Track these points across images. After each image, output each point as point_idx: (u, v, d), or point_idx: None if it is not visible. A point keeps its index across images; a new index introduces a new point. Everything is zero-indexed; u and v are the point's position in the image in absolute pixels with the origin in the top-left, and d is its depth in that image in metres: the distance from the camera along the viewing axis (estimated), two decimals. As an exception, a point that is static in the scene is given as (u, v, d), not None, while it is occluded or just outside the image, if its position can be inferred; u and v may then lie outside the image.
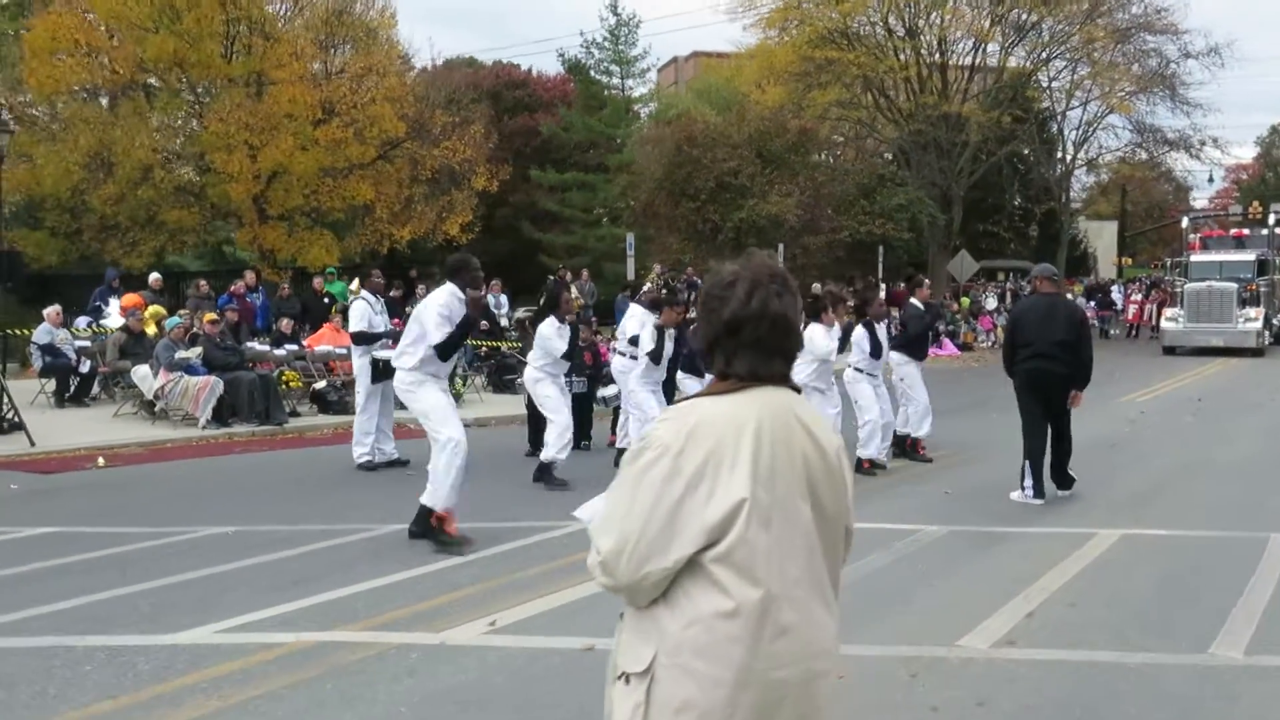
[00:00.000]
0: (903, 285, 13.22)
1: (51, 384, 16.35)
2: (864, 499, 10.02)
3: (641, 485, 2.52)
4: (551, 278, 28.68)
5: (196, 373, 14.78)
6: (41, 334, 16.53)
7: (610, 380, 13.15)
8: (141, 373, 15.21)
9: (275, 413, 15.31)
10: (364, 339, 11.55)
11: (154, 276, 19.56)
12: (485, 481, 10.74)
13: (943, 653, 5.78)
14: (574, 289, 27.92)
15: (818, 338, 10.84)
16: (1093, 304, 36.65)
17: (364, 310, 11.51)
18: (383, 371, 11.36)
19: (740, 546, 2.48)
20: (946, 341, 30.82)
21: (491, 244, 39.65)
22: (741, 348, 2.61)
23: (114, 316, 17.88)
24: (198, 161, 24.06)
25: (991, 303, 33.81)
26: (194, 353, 14.95)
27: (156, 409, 14.95)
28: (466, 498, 8.66)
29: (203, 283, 19.68)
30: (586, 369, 13.56)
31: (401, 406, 16.03)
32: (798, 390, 2.71)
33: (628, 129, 41.83)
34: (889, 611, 6.44)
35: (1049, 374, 9.84)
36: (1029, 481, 9.89)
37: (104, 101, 25.37)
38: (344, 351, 15.54)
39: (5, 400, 13.23)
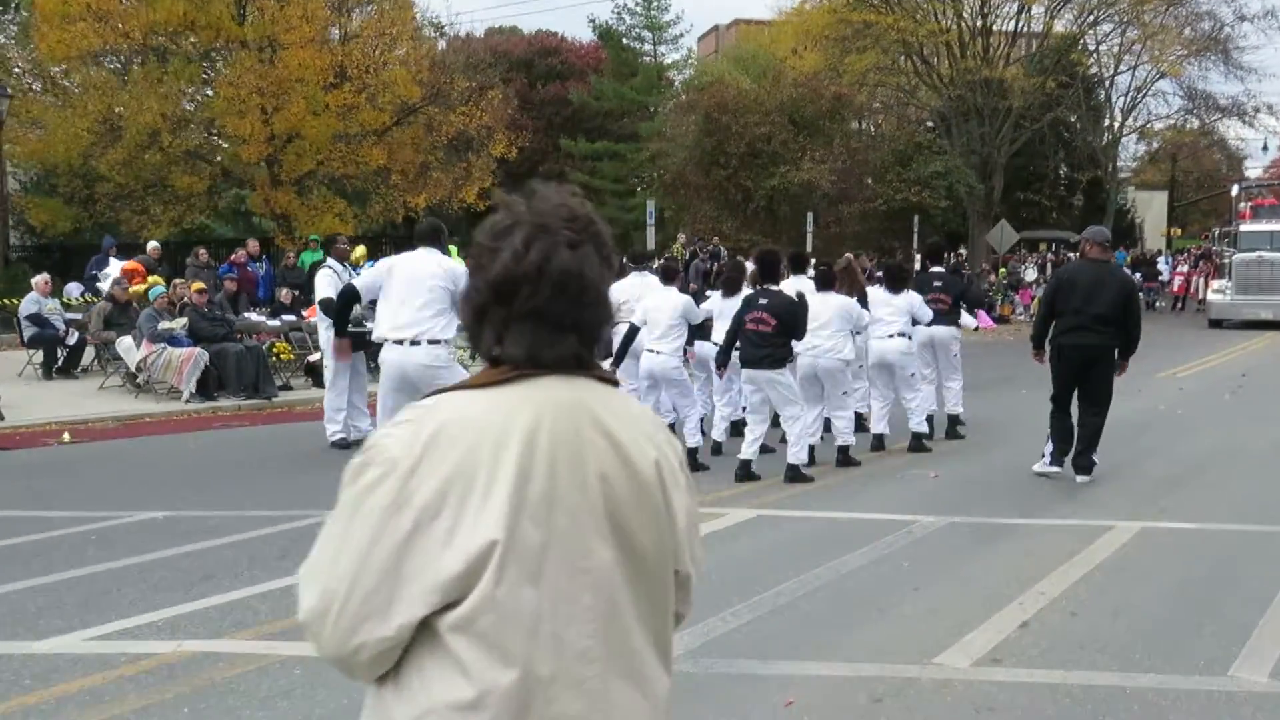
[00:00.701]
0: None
1: (39, 355, 15.86)
2: (856, 486, 9.34)
3: (356, 519, 1.76)
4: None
5: (181, 344, 14.20)
6: (29, 304, 16.03)
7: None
8: (126, 344, 14.65)
9: (264, 386, 14.70)
10: (330, 307, 10.83)
11: (152, 245, 19.04)
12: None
13: (914, 672, 4.99)
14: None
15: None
16: (1138, 275, 35.27)
17: (330, 279, 10.81)
18: (353, 345, 10.66)
19: (486, 610, 1.71)
20: (982, 314, 29.76)
21: (521, 214, 39.02)
22: (516, 320, 1.82)
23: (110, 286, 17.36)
24: (208, 127, 23.48)
25: (1031, 274, 32.60)
26: (178, 323, 14.35)
27: (139, 381, 14.40)
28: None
29: (202, 251, 19.10)
30: None
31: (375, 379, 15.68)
32: (611, 382, 1.93)
33: (660, 97, 40.93)
34: (859, 620, 5.65)
35: (1088, 349, 9.05)
36: (1048, 449, 9.29)
37: (114, 67, 24.85)
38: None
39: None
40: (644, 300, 10.04)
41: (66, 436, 11.58)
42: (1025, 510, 8.18)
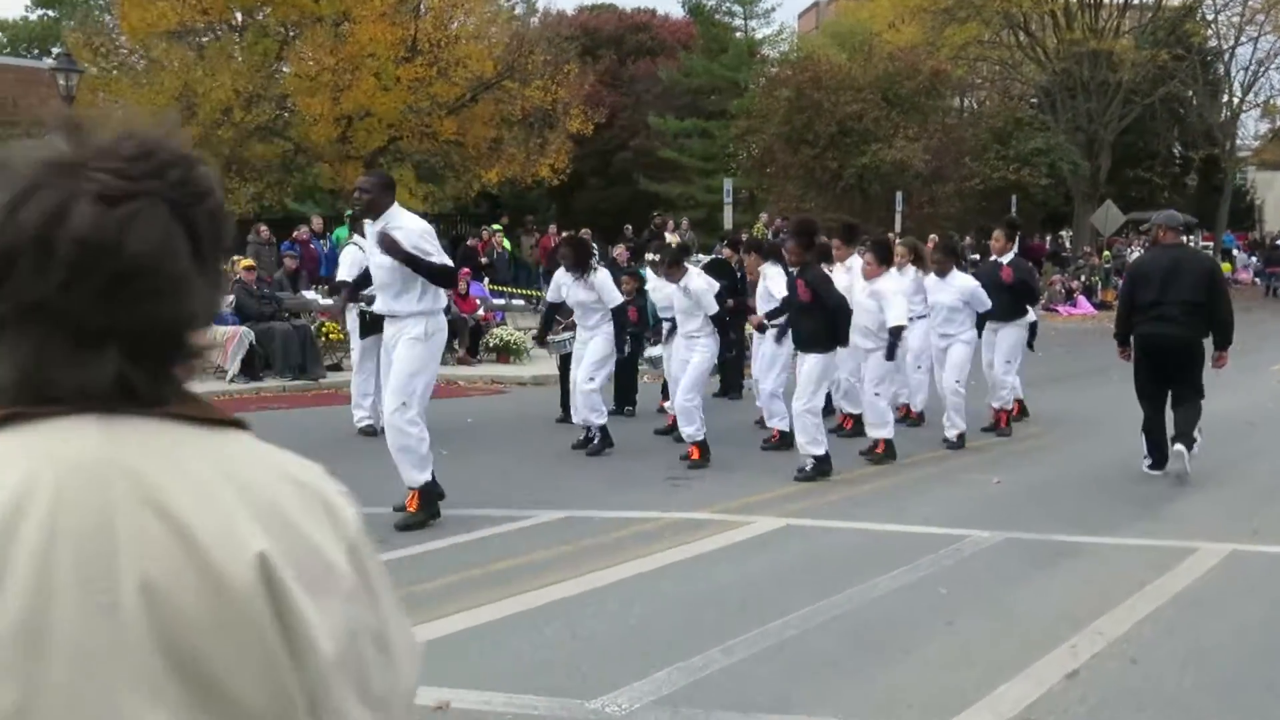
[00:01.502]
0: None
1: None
2: (905, 492, 8.28)
3: None
4: (651, 226, 27.33)
5: (226, 322, 13.82)
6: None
7: (658, 340, 11.56)
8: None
9: (312, 367, 14.31)
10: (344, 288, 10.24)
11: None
12: (491, 454, 9.43)
13: (928, 734, 4.16)
14: (672, 237, 26.53)
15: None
16: (1253, 260, 33.34)
17: (355, 257, 10.20)
18: (371, 325, 10.07)
19: None
20: (1081, 299, 28.28)
21: (607, 192, 38.40)
22: (4, 323, 1.11)
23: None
24: (280, 103, 23.22)
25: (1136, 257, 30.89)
26: (225, 300, 13.98)
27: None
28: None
29: (263, 228, 18.78)
30: (630, 327, 12.01)
31: None
32: (214, 422, 1.18)
33: (750, 73, 39.85)
34: (874, 662, 4.82)
35: (1170, 339, 8.43)
36: (1147, 451, 8.74)
37: (192, 43, 24.74)
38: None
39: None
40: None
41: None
42: (1095, 525, 7.21)
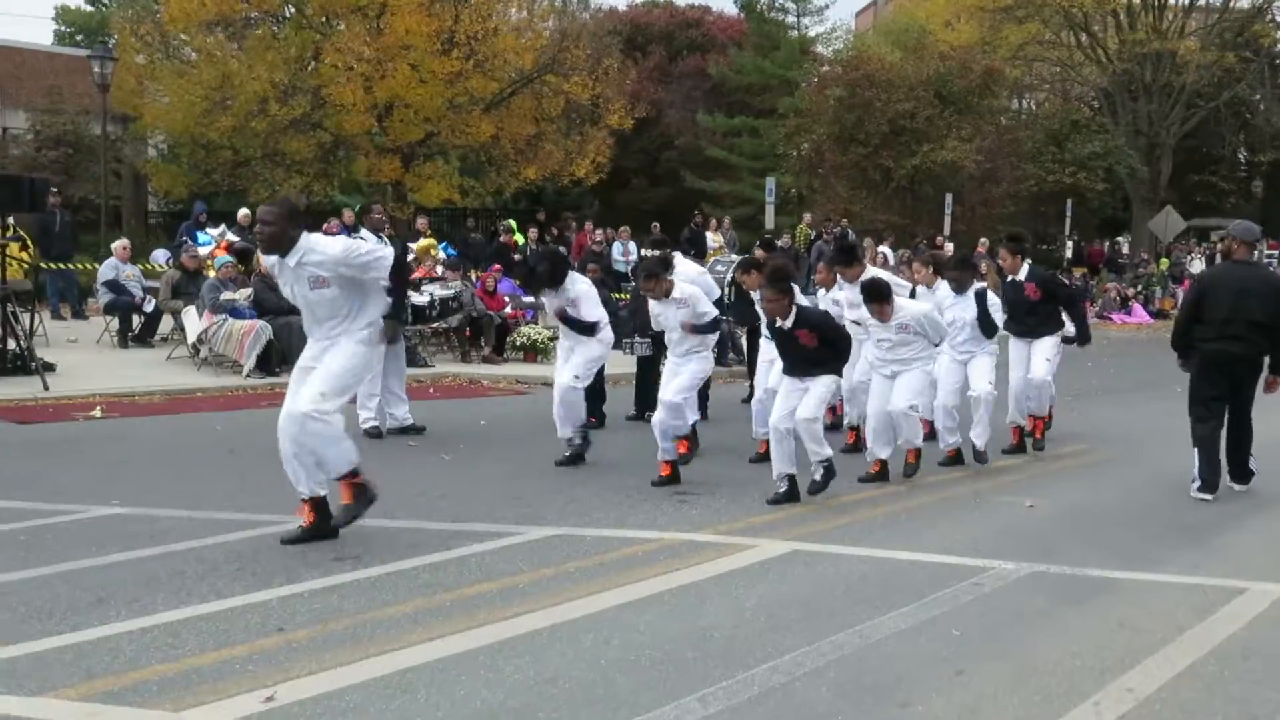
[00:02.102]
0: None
1: (115, 322, 15.43)
2: (928, 515, 7.54)
3: None
4: (692, 225, 26.76)
5: (243, 316, 13.49)
6: (107, 269, 15.62)
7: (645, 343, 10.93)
8: (191, 314, 14.07)
9: (330, 363, 13.91)
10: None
11: (242, 212, 18.50)
12: (494, 462, 8.97)
13: (920, 811, 3.61)
14: (714, 236, 25.97)
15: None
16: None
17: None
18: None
19: None
20: (1137, 307, 27.34)
21: (652, 190, 37.86)
22: None
23: (204, 253, 16.87)
24: (314, 94, 22.93)
25: (1197, 265, 29.82)
26: (242, 294, 13.65)
27: (201, 355, 13.77)
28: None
29: (291, 220, 18.44)
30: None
31: (414, 364, 14.64)
32: None
33: (803, 72, 39.12)
34: (868, 718, 4.27)
35: (1238, 359, 8.28)
36: (1197, 471, 8.40)
37: (233, 33, 24.56)
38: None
39: (18, 337, 12.17)
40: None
41: (98, 411, 10.91)
42: (1134, 558, 6.59)
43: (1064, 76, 39.75)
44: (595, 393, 11.04)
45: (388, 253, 6.52)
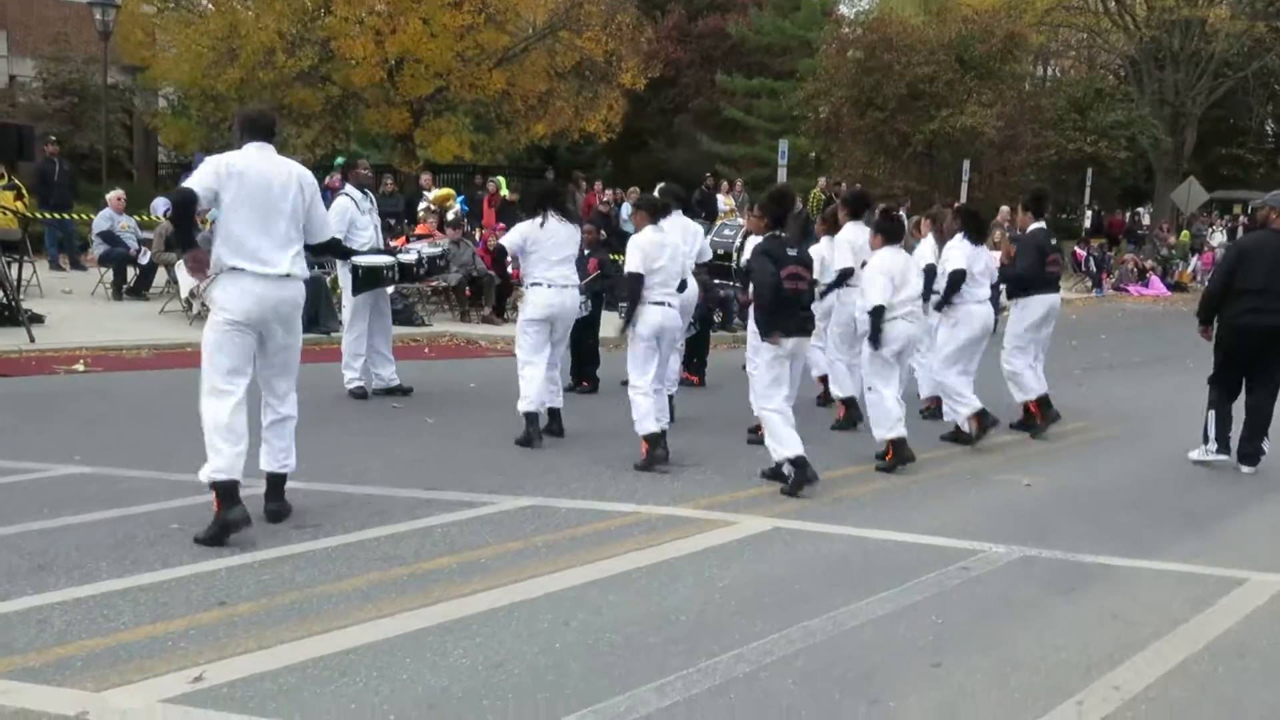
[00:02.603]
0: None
1: (110, 274, 15.21)
2: (919, 494, 7.26)
3: None
4: (703, 186, 26.34)
5: (236, 271, 13.21)
6: (101, 220, 15.38)
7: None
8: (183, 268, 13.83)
9: (325, 320, 13.67)
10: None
11: (244, 164, 18.18)
12: (477, 427, 8.70)
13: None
14: (725, 199, 25.57)
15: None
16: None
17: (346, 208, 9.47)
18: (364, 280, 9.38)
19: None
20: (1155, 279, 26.85)
21: (669, 152, 37.36)
22: None
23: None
24: (323, 46, 22.54)
25: (1218, 238, 29.29)
26: (236, 249, 13.37)
27: (194, 309, 13.54)
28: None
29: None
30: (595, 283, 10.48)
31: (411, 323, 14.35)
32: None
33: (823, 33, 38.45)
34: (834, 715, 4.01)
35: (1270, 330, 8.08)
36: (1212, 433, 8.49)
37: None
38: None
39: (5, 288, 11.94)
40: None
41: (81, 365, 10.70)
42: (1130, 543, 6.30)
43: (1090, 43, 38.99)
44: (589, 356, 10.79)
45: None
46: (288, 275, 5.69)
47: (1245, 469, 8.37)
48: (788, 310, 7.03)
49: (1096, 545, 6.22)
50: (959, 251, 8.85)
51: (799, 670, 4.34)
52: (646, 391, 7.54)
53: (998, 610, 5.15)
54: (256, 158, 5.71)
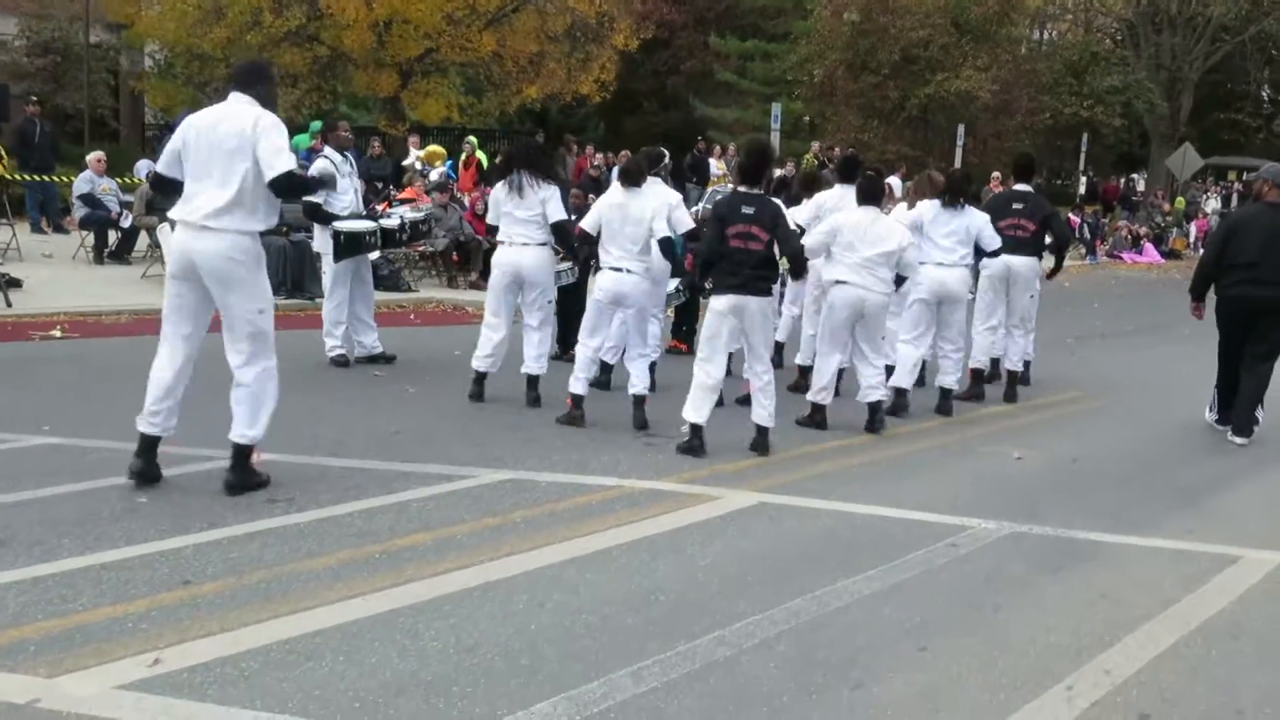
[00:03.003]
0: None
1: (91, 238, 14.98)
2: (908, 467, 7.07)
3: None
4: (695, 151, 26.09)
5: (219, 235, 13.00)
6: (82, 182, 15.12)
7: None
8: (166, 231, 13.58)
9: (310, 286, 13.47)
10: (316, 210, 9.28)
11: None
12: (459, 397, 8.54)
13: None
14: (718, 163, 25.32)
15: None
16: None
17: (325, 170, 9.26)
18: (346, 246, 9.20)
19: None
20: (1149, 246, 26.69)
21: (662, 115, 37.00)
22: None
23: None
24: (310, 5, 22.17)
25: (1213, 204, 29.11)
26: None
27: (175, 273, 13.32)
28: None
29: (278, 136, 17.87)
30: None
31: (397, 289, 14.17)
32: None
33: (818, -3, 38.03)
34: (814, 701, 3.87)
35: (1267, 302, 8.05)
36: (1217, 404, 8.71)
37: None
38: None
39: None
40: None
41: (57, 331, 10.51)
42: (1123, 520, 6.18)
43: (1087, 6, 38.63)
44: (576, 325, 10.56)
45: None
46: (204, 226, 5.47)
47: (1238, 440, 8.29)
48: (728, 267, 6.91)
49: (1087, 521, 6.09)
50: (917, 211, 8.77)
51: (780, 654, 4.21)
52: (590, 354, 7.82)
53: (986, 590, 5.02)
54: (221, 108, 5.59)
